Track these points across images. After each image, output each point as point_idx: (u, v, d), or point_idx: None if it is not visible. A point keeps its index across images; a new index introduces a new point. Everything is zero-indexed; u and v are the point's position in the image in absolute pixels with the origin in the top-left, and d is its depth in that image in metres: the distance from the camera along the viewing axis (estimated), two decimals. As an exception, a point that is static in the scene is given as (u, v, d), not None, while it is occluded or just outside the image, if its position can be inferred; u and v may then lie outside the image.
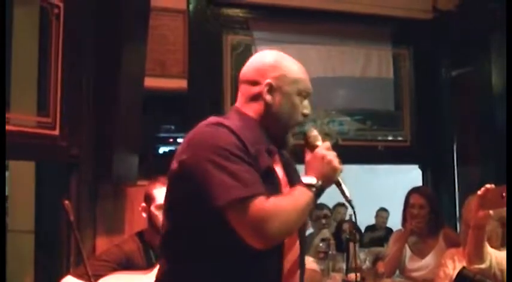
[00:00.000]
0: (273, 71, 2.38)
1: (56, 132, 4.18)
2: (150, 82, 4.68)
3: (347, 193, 2.41)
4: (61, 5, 4.19)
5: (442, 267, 4.17)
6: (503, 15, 5.02)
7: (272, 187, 2.25)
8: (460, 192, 6.12)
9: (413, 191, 4.96)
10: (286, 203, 2.19)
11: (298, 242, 2.39)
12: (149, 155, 4.87)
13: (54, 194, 4.40)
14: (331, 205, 7.36)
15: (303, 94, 2.40)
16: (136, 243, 3.78)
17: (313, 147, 2.39)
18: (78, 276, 3.53)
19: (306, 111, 2.42)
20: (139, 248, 3.73)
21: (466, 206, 4.07)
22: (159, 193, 3.54)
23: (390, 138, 6.34)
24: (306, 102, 2.42)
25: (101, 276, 3.49)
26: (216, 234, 2.20)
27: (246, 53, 5.53)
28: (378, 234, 8.41)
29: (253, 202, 2.11)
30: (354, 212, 2.53)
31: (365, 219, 8.62)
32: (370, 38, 6.23)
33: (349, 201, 2.45)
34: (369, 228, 8.71)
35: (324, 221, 6.35)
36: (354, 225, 5.06)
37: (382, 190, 9.84)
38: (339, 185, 2.38)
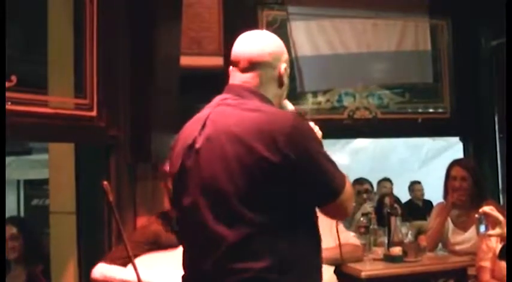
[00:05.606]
0: (283, 53, 2.46)
1: (94, 113, 4.18)
2: (186, 61, 4.65)
3: None
4: (94, -14, 4.19)
5: (485, 240, 4.11)
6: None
7: None
8: (502, 164, 6.03)
9: (455, 163, 4.88)
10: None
11: None
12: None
13: (94, 175, 4.42)
14: (374, 180, 7.31)
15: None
16: (159, 224, 3.82)
17: None
18: (111, 261, 3.58)
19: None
20: (164, 228, 3.78)
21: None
22: None
23: (431, 110, 6.27)
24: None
25: (136, 256, 3.51)
26: (308, 214, 2.33)
27: (282, 28, 5.53)
28: (417, 207, 8.37)
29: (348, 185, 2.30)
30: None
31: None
32: (407, 9, 6.15)
33: None
34: (407, 203, 8.64)
35: (365, 195, 6.31)
36: (395, 198, 5.02)
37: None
38: None
